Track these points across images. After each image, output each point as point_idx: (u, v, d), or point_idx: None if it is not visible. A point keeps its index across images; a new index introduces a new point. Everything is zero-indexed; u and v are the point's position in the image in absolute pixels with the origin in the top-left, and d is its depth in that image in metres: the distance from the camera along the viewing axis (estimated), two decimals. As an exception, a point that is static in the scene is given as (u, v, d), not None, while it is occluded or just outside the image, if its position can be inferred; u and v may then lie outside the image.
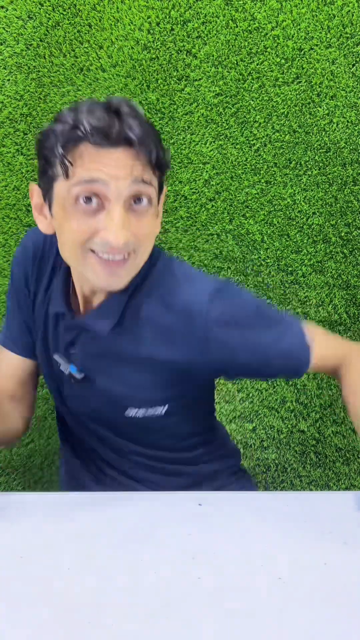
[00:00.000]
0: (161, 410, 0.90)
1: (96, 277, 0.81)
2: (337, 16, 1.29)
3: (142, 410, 0.89)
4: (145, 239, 0.81)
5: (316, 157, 1.34)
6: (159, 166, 0.80)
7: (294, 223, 1.37)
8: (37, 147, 0.82)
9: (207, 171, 1.35)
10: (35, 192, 0.86)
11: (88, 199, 0.77)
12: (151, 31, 1.29)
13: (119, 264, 0.79)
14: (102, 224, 0.77)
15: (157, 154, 0.79)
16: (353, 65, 1.31)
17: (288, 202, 1.36)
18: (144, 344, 0.86)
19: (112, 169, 0.76)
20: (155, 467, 0.97)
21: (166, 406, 0.90)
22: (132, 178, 0.76)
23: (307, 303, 1.40)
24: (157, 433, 0.95)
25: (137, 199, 0.78)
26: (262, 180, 1.36)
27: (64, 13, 1.28)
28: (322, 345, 0.91)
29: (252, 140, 1.34)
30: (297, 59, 1.31)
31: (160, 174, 0.82)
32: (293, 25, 1.29)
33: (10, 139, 1.31)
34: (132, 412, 0.89)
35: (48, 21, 1.27)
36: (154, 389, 0.90)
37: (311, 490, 1.49)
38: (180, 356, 0.85)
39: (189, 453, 0.99)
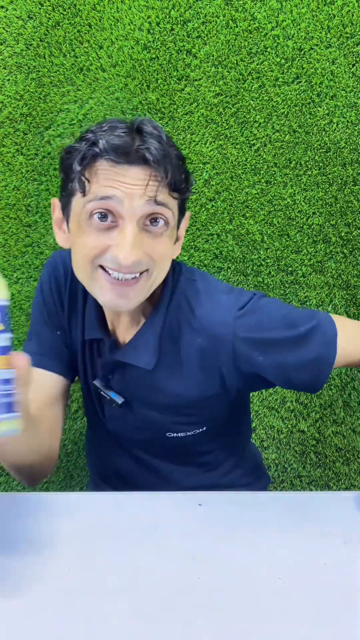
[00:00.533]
0: (199, 430, 0.92)
1: (103, 296, 0.80)
2: (337, 16, 1.29)
3: (182, 433, 0.92)
4: (159, 261, 0.80)
5: (316, 157, 1.34)
6: (176, 189, 0.79)
7: (294, 223, 1.37)
8: (59, 163, 0.83)
9: (207, 171, 1.35)
10: (56, 207, 0.86)
11: (103, 216, 0.77)
12: (151, 31, 1.29)
13: (129, 284, 0.78)
14: (114, 240, 0.77)
15: (174, 175, 0.77)
16: (353, 65, 1.31)
17: (288, 202, 1.36)
18: (180, 371, 0.88)
19: (127, 186, 0.76)
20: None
21: (204, 427, 0.93)
22: (147, 197, 0.76)
23: (307, 303, 1.40)
24: (195, 453, 0.97)
25: (153, 220, 0.78)
26: (262, 180, 1.36)
27: (64, 13, 1.27)
28: (348, 342, 0.87)
29: (252, 140, 1.34)
30: (297, 59, 1.31)
31: (180, 197, 0.81)
32: (293, 25, 1.29)
33: (10, 139, 1.31)
34: (172, 434, 0.92)
35: (48, 21, 1.27)
36: (191, 414, 0.91)
37: (311, 490, 1.49)
38: (214, 377, 0.87)
39: (225, 476, 1.01)
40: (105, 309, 0.89)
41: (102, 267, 0.78)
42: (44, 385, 0.92)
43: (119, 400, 0.91)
